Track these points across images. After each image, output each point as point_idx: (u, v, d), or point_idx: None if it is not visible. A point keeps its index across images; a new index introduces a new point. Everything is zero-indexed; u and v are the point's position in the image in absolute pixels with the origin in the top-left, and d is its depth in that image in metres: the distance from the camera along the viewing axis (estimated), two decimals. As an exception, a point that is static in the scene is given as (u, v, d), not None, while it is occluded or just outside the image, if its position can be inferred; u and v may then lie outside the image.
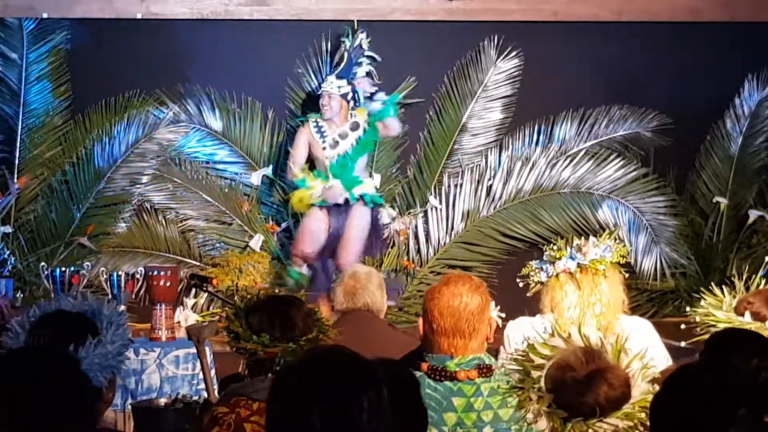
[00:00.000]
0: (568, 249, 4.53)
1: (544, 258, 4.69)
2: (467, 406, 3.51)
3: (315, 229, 8.13)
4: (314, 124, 8.20)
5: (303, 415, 2.34)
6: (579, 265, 4.50)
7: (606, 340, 2.99)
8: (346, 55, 8.44)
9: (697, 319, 4.29)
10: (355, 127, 8.18)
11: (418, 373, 3.54)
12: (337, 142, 8.14)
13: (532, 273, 4.64)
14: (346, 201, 8.11)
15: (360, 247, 8.10)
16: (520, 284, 4.87)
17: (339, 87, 8.17)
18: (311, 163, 8.27)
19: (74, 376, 2.76)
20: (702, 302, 4.33)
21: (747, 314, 4.12)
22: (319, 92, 8.23)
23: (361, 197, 8.14)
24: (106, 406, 3.12)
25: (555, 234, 8.23)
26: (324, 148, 8.15)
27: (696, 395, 2.46)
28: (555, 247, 4.65)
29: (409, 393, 2.96)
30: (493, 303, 3.93)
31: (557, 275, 4.54)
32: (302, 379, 2.41)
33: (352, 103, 8.22)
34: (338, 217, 8.13)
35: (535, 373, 2.87)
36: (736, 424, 2.39)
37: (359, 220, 8.13)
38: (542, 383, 2.84)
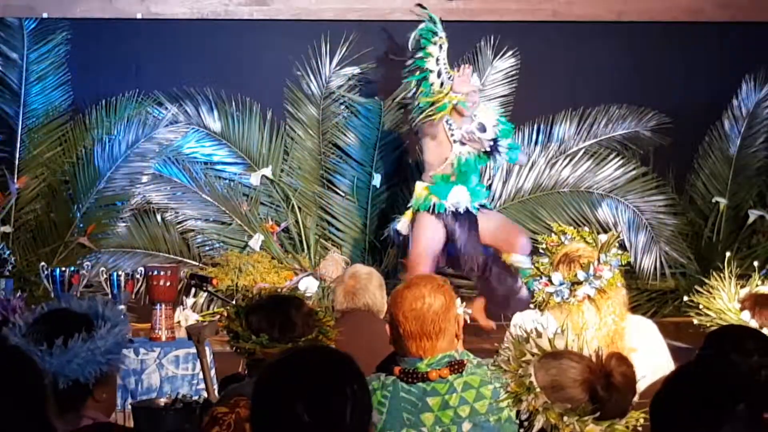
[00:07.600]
0: (581, 273, 4.38)
1: (541, 258, 4.61)
2: (443, 404, 3.49)
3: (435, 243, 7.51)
4: (446, 119, 7.54)
5: (289, 409, 2.40)
6: (597, 289, 4.37)
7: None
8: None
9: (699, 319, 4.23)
10: (482, 129, 7.62)
11: (391, 378, 3.54)
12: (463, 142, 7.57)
13: (538, 291, 4.54)
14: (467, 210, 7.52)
15: None
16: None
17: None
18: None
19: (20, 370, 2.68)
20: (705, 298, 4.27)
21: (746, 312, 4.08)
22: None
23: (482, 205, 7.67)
24: (100, 405, 3.10)
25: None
26: (454, 142, 7.53)
27: (693, 391, 2.46)
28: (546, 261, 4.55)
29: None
30: (459, 300, 3.89)
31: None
32: (286, 374, 2.47)
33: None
34: (456, 225, 7.49)
35: (524, 370, 2.83)
36: (733, 420, 2.39)
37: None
38: (533, 379, 2.81)
